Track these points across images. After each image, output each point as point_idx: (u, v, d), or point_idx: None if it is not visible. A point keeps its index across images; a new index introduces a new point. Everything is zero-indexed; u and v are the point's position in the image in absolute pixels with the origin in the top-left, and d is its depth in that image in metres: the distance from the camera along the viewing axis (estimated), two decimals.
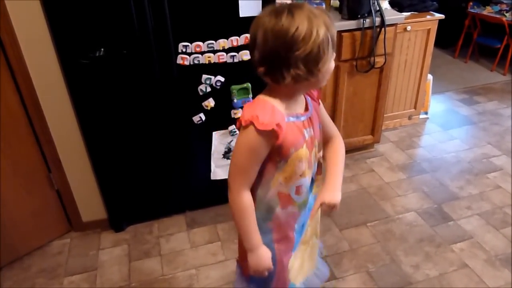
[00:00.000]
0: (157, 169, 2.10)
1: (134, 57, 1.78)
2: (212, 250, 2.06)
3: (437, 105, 3.38)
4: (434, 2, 2.88)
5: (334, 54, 0.99)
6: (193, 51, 1.84)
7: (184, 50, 1.83)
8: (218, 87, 1.95)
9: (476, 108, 3.34)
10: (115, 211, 2.16)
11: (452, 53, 4.40)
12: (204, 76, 1.91)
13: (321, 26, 0.92)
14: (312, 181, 1.21)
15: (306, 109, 1.10)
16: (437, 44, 2.94)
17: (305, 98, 1.11)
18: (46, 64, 1.76)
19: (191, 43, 1.82)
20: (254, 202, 1.11)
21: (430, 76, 3.03)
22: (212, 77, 1.92)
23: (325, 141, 1.25)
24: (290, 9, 0.92)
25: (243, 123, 1.00)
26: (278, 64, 0.94)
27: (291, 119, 1.04)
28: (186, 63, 1.86)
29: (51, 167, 2.01)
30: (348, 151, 2.72)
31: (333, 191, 1.15)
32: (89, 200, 2.14)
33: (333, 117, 2.50)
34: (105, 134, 1.92)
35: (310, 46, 0.91)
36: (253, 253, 1.13)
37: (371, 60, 2.36)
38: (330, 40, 0.94)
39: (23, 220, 2.02)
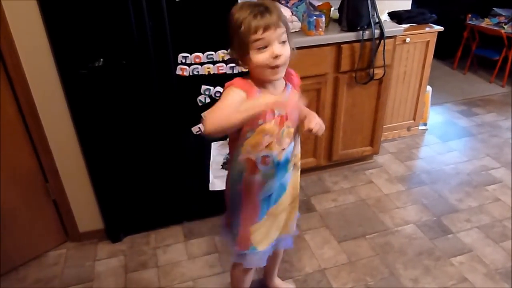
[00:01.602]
0: (155, 179, 2.09)
1: (133, 68, 1.78)
2: (209, 262, 2.04)
3: (436, 117, 3.38)
4: (433, 15, 2.90)
5: (275, 49, 1.14)
6: (192, 62, 1.84)
7: (183, 61, 1.83)
8: (218, 98, 1.95)
9: (475, 119, 3.35)
10: (112, 221, 2.14)
11: (451, 65, 4.42)
12: (204, 87, 1.91)
13: (238, 19, 1.13)
14: (289, 161, 1.37)
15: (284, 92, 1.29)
16: (436, 55, 2.96)
17: (286, 84, 1.31)
18: (45, 74, 1.76)
19: (190, 54, 1.82)
20: (231, 161, 1.39)
21: (429, 88, 3.03)
22: (212, 87, 1.92)
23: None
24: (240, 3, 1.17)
25: (225, 88, 1.23)
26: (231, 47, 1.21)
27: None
28: (186, 74, 1.86)
29: (48, 177, 2.00)
30: (347, 162, 2.73)
31: (312, 114, 1.32)
32: (86, 210, 2.12)
33: (332, 128, 2.50)
34: (103, 144, 1.91)
35: (230, 32, 1.17)
36: (260, 100, 1.19)
37: (370, 72, 2.36)
38: (242, 35, 1.13)
39: (20, 230, 2.00)
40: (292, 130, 1.33)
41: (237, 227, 1.44)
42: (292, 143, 1.36)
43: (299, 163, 1.49)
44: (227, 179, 1.46)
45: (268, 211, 1.42)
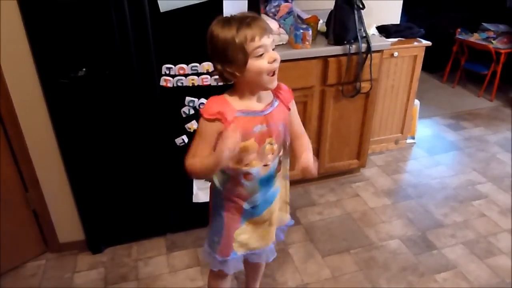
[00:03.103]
0: (137, 190, 2.07)
1: (116, 78, 1.76)
2: (191, 275, 2.01)
3: (424, 130, 3.39)
4: (421, 29, 2.91)
5: (257, 63, 1.16)
6: (176, 73, 1.83)
7: (167, 72, 1.82)
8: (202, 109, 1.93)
9: (463, 133, 3.36)
10: (93, 232, 2.11)
11: (440, 78, 4.45)
12: (188, 99, 1.90)
13: (229, 33, 1.13)
14: (273, 177, 1.37)
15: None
16: (426, 68, 2.97)
17: (273, 100, 1.30)
18: (26, 82, 1.74)
19: (174, 65, 1.81)
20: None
21: (417, 102, 3.04)
22: (196, 99, 1.90)
23: (294, 139, 1.42)
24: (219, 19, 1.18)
25: (200, 114, 1.25)
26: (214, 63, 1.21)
27: (242, 114, 1.23)
28: (170, 85, 1.84)
29: (28, 187, 1.97)
30: (334, 175, 2.72)
31: (305, 157, 1.33)
32: (66, 221, 2.09)
33: (319, 140, 2.49)
34: (85, 154, 1.88)
35: (219, 47, 1.16)
36: (217, 154, 1.17)
37: (357, 86, 2.37)
38: (239, 46, 1.12)
39: None
40: (275, 146, 1.32)
41: (219, 235, 1.43)
42: (276, 159, 1.35)
43: (287, 173, 1.50)
44: (210, 187, 1.44)
45: (251, 219, 1.42)
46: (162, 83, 1.83)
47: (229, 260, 1.45)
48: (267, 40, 1.16)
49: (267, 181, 1.36)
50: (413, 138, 3.19)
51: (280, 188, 1.47)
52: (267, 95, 1.30)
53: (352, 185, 2.70)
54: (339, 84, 2.35)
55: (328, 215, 2.42)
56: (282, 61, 2.08)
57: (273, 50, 1.21)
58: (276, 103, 1.31)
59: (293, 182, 2.57)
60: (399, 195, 2.61)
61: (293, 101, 1.40)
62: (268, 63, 1.17)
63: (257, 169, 1.31)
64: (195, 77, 1.85)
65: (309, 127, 2.41)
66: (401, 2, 3.10)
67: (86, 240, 2.14)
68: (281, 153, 1.39)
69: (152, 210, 2.15)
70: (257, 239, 1.48)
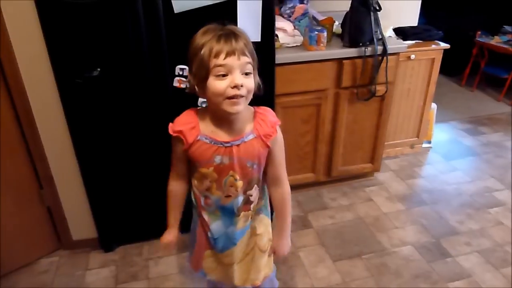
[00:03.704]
0: (149, 190, 2.07)
1: (129, 78, 1.77)
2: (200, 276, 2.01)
3: (441, 134, 3.33)
4: (440, 31, 2.86)
5: (228, 80, 1.05)
6: None
7: (180, 73, 1.82)
8: (200, 108, 1.93)
9: (481, 139, 3.28)
10: (105, 230, 2.13)
11: (459, 81, 4.36)
12: (201, 100, 1.89)
13: (201, 40, 1.05)
14: (234, 212, 1.27)
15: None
16: (444, 72, 2.91)
17: (248, 132, 1.16)
18: (42, 82, 1.76)
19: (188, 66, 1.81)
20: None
21: (434, 105, 2.99)
22: None
23: (272, 181, 1.30)
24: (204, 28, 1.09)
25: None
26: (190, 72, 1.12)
27: (203, 139, 1.15)
28: (183, 86, 1.85)
29: (43, 184, 2.00)
30: (346, 178, 2.69)
31: (283, 242, 1.35)
32: (80, 219, 2.12)
33: (332, 143, 2.47)
34: (98, 153, 1.90)
35: (190, 53, 1.08)
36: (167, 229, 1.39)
37: (372, 88, 2.33)
38: (202, 58, 1.04)
39: (13, 236, 1.99)
40: (240, 183, 1.21)
41: (192, 248, 1.43)
42: (241, 197, 1.24)
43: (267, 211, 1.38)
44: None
45: (216, 254, 1.35)
46: (175, 84, 1.84)
47: (196, 275, 1.45)
48: (233, 61, 1.03)
49: (230, 212, 1.27)
50: (429, 142, 3.13)
51: (252, 234, 1.33)
52: (244, 123, 1.16)
53: (365, 189, 2.66)
54: (354, 86, 2.32)
55: (340, 219, 2.40)
56: (296, 62, 2.14)
57: (247, 74, 1.07)
58: (250, 137, 1.16)
59: (305, 185, 2.58)
60: (413, 201, 2.56)
61: (277, 138, 1.20)
62: (228, 86, 1.04)
63: (216, 197, 1.24)
64: None
65: (322, 130, 2.39)
66: (419, 4, 3.05)
67: (98, 238, 2.16)
68: (251, 193, 1.25)
69: (164, 210, 2.15)
70: (222, 275, 1.40)
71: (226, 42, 1.03)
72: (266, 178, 1.29)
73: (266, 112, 1.21)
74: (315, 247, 2.20)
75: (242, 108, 1.09)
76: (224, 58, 1.03)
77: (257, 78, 1.13)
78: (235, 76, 1.04)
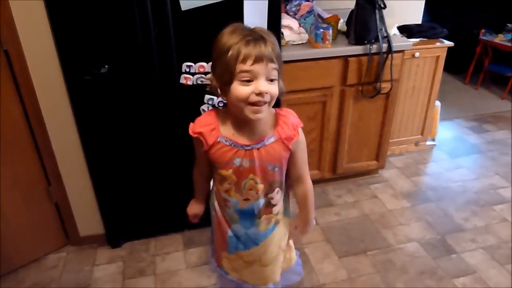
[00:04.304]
0: (156, 186, 2.09)
1: (137, 75, 1.79)
2: (207, 272, 2.02)
3: (445, 132, 3.33)
4: (444, 29, 2.86)
5: (256, 85, 1.02)
6: (196, 71, 1.84)
7: (187, 70, 1.84)
8: (221, 108, 1.95)
9: (485, 136, 3.29)
10: (113, 227, 2.15)
11: (463, 79, 4.36)
12: (207, 97, 1.91)
13: (228, 41, 1.02)
14: (254, 214, 1.26)
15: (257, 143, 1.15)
16: (448, 69, 2.91)
17: (269, 135, 1.14)
18: (51, 78, 1.78)
19: (195, 63, 1.83)
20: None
21: (438, 103, 2.99)
22: (215, 98, 1.92)
23: (295, 181, 1.30)
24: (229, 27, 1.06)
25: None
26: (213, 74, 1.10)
27: (223, 140, 1.14)
28: (189, 83, 1.86)
29: (51, 180, 2.02)
30: (352, 176, 2.70)
31: (306, 228, 1.37)
32: (87, 215, 2.13)
33: (337, 141, 2.48)
34: (106, 150, 1.92)
35: (216, 53, 1.05)
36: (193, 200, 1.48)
37: (377, 86, 2.34)
38: (228, 61, 1.00)
39: (21, 232, 2.01)
40: (261, 186, 1.20)
41: (213, 245, 1.46)
42: (262, 200, 1.24)
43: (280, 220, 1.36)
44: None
45: (237, 252, 1.35)
46: (182, 80, 1.85)
47: (219, 272, 1.44)
48: (260, 68, 1.00)
49: (250, 215, 1.26)
50: (433, 140, 3.14)
51: (276, 234, 1.33)
52: (265, 126, 1.14)
53: (371, 187, 2.67)
54: (359, 84, 2.33)
55: (345, 216, 2.41)
56: (301, 60, 2.15)
57: (272, 80, 1.04)
58: (271, 139, 1.15)
59: None
60: (418, 198, 2.57)
61: (299, 141, 1.18)
62: (253, 92, 1.02)
63: (235, 200, 1.24)
64: None
65: (327, 127, 2.40)
66: (423, 2, 3.05)
67: (105, 234, 2.18)
68: (273, 196, 1.25)
69: (170, 207, 2.17)
70: (250, 276, 1.39)
71: (254, 46, 0.99)
72: (289, 178, 1.28)
73: (288, 114, 1.18)
74: (321, 243, 2.21)
75: (264, 115, 1.07)
76: (252, 64, 1.00)
77: (281, 83, 1.10)
78: (260, 83, 1.01)
